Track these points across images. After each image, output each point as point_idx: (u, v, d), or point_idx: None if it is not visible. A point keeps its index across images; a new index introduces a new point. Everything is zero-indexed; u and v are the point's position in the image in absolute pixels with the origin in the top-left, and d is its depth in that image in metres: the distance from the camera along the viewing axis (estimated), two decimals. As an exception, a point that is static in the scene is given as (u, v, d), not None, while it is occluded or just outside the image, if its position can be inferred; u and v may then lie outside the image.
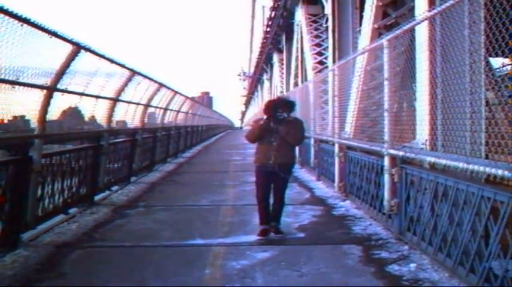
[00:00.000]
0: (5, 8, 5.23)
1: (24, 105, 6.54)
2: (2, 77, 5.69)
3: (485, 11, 4.50)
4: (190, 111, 25.75)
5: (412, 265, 5.48)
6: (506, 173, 3.89)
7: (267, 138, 7.00)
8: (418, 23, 5.96)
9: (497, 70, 5.98)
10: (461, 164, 4.57)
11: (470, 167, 4.40)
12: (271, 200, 7.17)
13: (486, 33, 4.39)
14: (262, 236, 6.86)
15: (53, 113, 7.25)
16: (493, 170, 4.05)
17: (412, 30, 6.23)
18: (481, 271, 4.49)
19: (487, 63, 4.95)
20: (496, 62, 6.01)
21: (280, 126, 6.95)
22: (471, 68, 4.88)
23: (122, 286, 5.02)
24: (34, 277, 5.28)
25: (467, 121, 4.91)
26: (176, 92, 18.72)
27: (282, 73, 34.98)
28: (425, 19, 5.73)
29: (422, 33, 6.07)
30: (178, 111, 21.20)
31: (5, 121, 6.21)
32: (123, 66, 10.16)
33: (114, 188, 11.16)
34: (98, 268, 5.60)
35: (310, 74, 20.07)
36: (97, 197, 9.73)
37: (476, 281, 4.56)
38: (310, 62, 20.65)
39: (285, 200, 7.27)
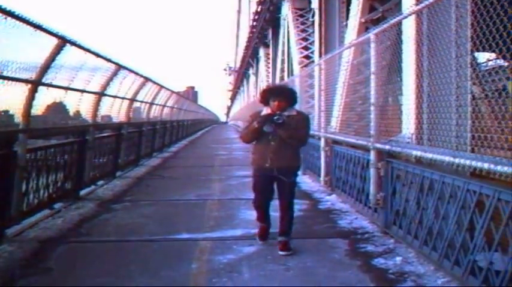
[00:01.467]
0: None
1: (8, 99, 6.47)
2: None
3: (472, 5, 4.51)
4: (175, 106, 25.67)
5: (398, 259, 5.50)
6: (492, 166, 3.90)
7: (265, 136, 5.85)
8: (405, 17, 5.96)
9: (483, 65, 6.01)
10: (447, 158, 4.59)
11: (456, 161, 4.41)
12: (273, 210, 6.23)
13: (473, 27, 4.40)
14: (261, 238, 6.21)
15: (38, 108, 7.18)
16: (479, 164, 4.07)
17: (399, 24, 6.23)
18: (466, 264, 4.53)
19: (473, 57, 4.96)
20: (482, 57, 6.04)
21: (279, 129, 5.79)
22: (457, 62, 4.89)
23: (108, 281, 4.99)
24: (19, 272, 5.23)
25: (453, 115, 4.93)
26: (162, 87, 18.64)
27: (268, 67, 34.95)
28: (413, 13, 5.73)
29: (409, 27, 6.08)
30: (163, 106, 21.12)
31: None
32: (108, 60, 10.09)
33: (100, 182, 11.09)
34: (84, 263, 5.56)
35: (297, 68, 20.10)
36: (82, 192, 9.66)
37: (461, 274, 4.59)
38: (296, 56, 20.67)
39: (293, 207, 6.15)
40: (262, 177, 5.97)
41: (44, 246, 6.17)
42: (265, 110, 5.99)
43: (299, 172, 6.08)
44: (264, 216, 6.22)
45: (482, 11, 4.12)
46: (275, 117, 5.77)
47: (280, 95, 5.94)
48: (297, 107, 6.24)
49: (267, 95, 6.01)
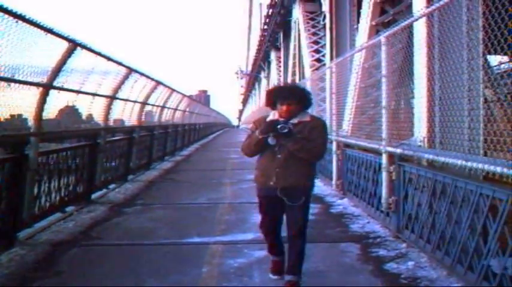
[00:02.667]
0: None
1: (20, 103, 6.50)
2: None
3: (483, 7, 4.47)
4: (187, 110, 25.71)
5: (410, 263, 5.46)
6: (505, 170, 3.87)
7: (270, 147, 4.66)
8: (416, 20, 5.93)
9: (495, 68, 5.97)
10: (459, 162, 4.55)
11: (469, 164, 4.38)
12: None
13: (485, 29, 4.37)
14: (276, 273, 5.01)
15: (50, 111, 7.21)
16: (492, 168, 4.04)
17: (410, 27, 6.20)
18: (480, 269, 4.48)
19: (485, 60, 4.92)
20: (494, 59, 6.00)
21: (285, 140, 4.59)
22: (469, 65, 4.85)
23: (118, 284, 4.99)
24: (30, 275, 5.25)
25: (465, 118, 4.89)
26: (173, 90, 18.67)
27: (280, 71, 34.96)
28: (423, 15, 5.70)
29: (420, 30, 6.04)
30: (175, 110, 21.16)
31: (1, 119, 6.17)
32: (120, 63, 10.12)
33: (111, 186, 11.12)
34: (95, 267, 5.57)
35: (308, 71, 20.05)
36: (94, 196, 9.69)
37: (474, 280, 4.54)
38: (307, 59, 20.62)
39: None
40: (266, 198, 4.78)
41: (56, 249, 6.19)
42: (272, 115, 4.83)
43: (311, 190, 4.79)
44: (275, 246, 5.03)
45: (494, 13, 4.08)
46: (278, 126, 4.53)
47: (289, 96, 4.68)
48: (309, 110, 4.93)
49: (273, 97, 4.80)
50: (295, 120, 4.64)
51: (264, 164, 4.76)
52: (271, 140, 4.61)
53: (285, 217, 4.80)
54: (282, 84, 5.77)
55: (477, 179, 4.65)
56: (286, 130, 4.52)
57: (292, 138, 4.55)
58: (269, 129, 4.60)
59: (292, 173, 4.63)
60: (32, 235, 6.71)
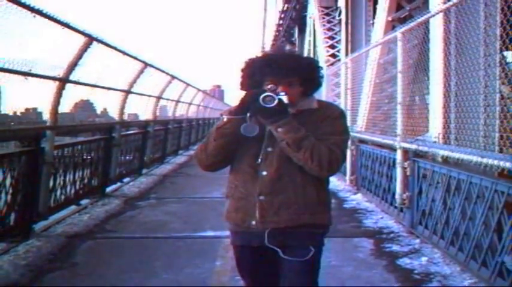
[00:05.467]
0: (18, -2, 5.24)
1: (36, 96, 6.57)
2: (16, 68, 5.71)
3: (502, 3, 4.44)
4: (201, 104, 25.74)
5: (424, 259, 5.45)
6: (520, 167, 3.85)
7: (247, 155, 2.75)
8: (433, 15, 5.89)
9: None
10: (474, 158, 4.52)
11: (484, 160, 4.35)
12: None
13: (503, 25, 4.34)
14: None
15: (65, 105, 7.27)
16: (508, 164, 4.01)
17: (426, 23, 6.17)
18: (494, 266, 4.45)
19: (503, 56, 4.89)
20: None
21: (278, 126, 2.62)
22: (486, 61, 4.83)
23: (132, 277, 5.03)
24: (46, 266, 5.31)
25: (481, 114, 4.87)
26: (188, 85, 18.70)
27: (294, 66, 34.81)
28: (440, 11, 5.66)
29: (436, 26, 6.01)
30: (190, 104, 21.20)
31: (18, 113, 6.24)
32: (135, 58, 10.15)
33: (126, 179, 11.19)
34: (109, 259, 5.62)
35: (323, 66, 19.99)
36: (108, 189, 9.76)
37: (488, 276, 4.52)
38: (322, 55, 20.53)
39: None
40: (246, 250, 2.84)
41: (71, 241, 6.25)
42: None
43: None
44: None
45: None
46: (262, 97, 2.55)
47: (288, 71, 2.67)
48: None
49: (255, 73, 2.73)
50: (292, 109, 2.67)
51: (239, 187, 2.77)
52: (247, 128, 2.62)
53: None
54: (270, 52, 3.19)
55: (492, 176, 4.63)
56: (274, 103, 2.54)
57: (285, 121, 2.60)
58: (246, 103, 2.63)
59: (289, 201, 2.68)
60: (47, 227, 6.77)
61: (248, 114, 2.63)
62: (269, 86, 2.62)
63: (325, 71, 17.21)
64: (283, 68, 2.66)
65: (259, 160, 2.70)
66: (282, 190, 2.68)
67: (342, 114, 2.80)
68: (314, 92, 2.85)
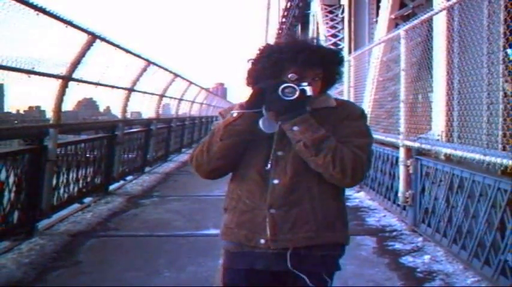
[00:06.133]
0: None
1: (39, 95, 6.57)
2: (19, 66, 5.72)
3: (506, 0, 4.43)
4: (204, 102, 25.74)
5: (426, 257, 5.44)
6: (523, 165, 3.84)
7: (254, 161, 2.31)
8: (436, 13, 5.88)
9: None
10: (477, 156, 4.51)
11: (487, 158, 4.34)
12: None
13: (506, 23, 4.33)
14: None
15: (69, 103, 7.28)
16: (510, 162, 4.01)
17: (429, 21, 6.16)
18: (497, 264, 4.45)
19: (506, 54, 4.88)
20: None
21: (294, 123, 2.17)
22: (489, 59, 4.82)
23: (135, 275, 5.04)
24: (50, 264, 5.32)
25: (484, 112, 4.86)
26: (191, 83, 18.70)
27: (297, 64, 34.79)
28: (444, 9, 5.65)
29: (440, 24, 5.99)
30: (192, 102, 21.20)
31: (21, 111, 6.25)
32: (138, 56, 10.15)
33: (129, 178, 11.21)
34: (112, 257, 5.63)
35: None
36: (111, 187, 9.78)
37: (491, 274, 4.52)
38: (325, 53, 20.54)
39: None
40: (249, 274, 2.36)
41: (74, 240, 6.26)
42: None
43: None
44: None
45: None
46: (281, 88, 2.14)
47: (314, 59, 2.28)
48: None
49: (274, 63, 2.27)
50: (307, 107, 2.24)
51: (243, 198, 2.37)
52: (265, 122, 2.23)
53: None
54: (290, 38, 2.47)
55: (495, 174, 4.62)
56: (295, 95, 2.15)
57: (302, 117, 2.19)
58: (262, 95, 2.19)
59: (306, 215, 2.26)
60: (50, 225, 6.79)
61: (264, 108, 2.21)
62: (290, 75, 2.22)
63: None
64: (313, 58, 2.26)
65: (269, 166, 2.26)
66: (297, 201, 2.25)
67: (363, 114, 2.41)
68: (331, 87, 2.46)
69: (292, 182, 2.24)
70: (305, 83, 2.20)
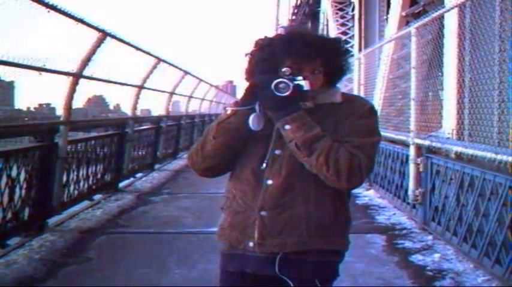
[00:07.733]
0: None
1: (49, 92, 6.60)
2: (30, 63, 5.74)
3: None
4: (214, 100, 25.76)
5: (436, 255, 5.42)
6: (535, 163, 3.82)
7: (251, 159, 2.19)
8: (448, 10, 5.85)
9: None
10: (488, 154, 4.49)
11: (498, 157, 4.32)
12: None
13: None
14: None
15: (79, 100, 7.30)
16: (522, 161, 3.99)
17: (440, 18, 6.13)
18: (508, 263, 4.42)
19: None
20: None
21: (285, 122, 2.05)
22: (501, 56, 4.78)
23: (145, 272, 5.05)
24: (60, 261, 5.34)
25: (495, 110, 4.83)
26: (201, 80, 18.72)
27: (307, 62, 34.72)
28: (455, 6, 5.62)
29: (451, 21, 5.96)
30: (202, 100, 21.22)
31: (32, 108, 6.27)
32: (148, 53, 10.17)
33: (139, 175, 11.23)
34: (122, 254, 5.65)
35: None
36: (121, 184, 9.80)
37: (502, 273, 4.50)
38: (335, 50, 20.49)
39: None
40: (240, 277, 2.25)
41: (84, 236, 6.29)
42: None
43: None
44: None
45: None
46: (275, 83, 2.01)
47: (309, 49, 2.08)
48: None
49: (269, 53, 2.13)
50: (309, 103, 2.12)
51: (237, 198, 2.24)
52: (254, 121, 2.09)
53: None
54: (289, 29, 2.27)
55: (506, 172, 4.60)
56: (288, 92, 2.01)
57: (294, 116, 2.05)
58: (254, 90, 2.10)
59: (298, 219, 2.13)
60: (61, 222, 6.82)
61: (257, 105, 2.09)
62: (284, 69, 2.05)
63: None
64: (307, 49, 2.07)
65: (264, 165, 2.13)
66: (290, 204, 2.11)
67: (372, 110, 2.19)
68: (338, 81, 2.28)
69: (286, 183, 2.12)
70: (300, 78, 2.05)
